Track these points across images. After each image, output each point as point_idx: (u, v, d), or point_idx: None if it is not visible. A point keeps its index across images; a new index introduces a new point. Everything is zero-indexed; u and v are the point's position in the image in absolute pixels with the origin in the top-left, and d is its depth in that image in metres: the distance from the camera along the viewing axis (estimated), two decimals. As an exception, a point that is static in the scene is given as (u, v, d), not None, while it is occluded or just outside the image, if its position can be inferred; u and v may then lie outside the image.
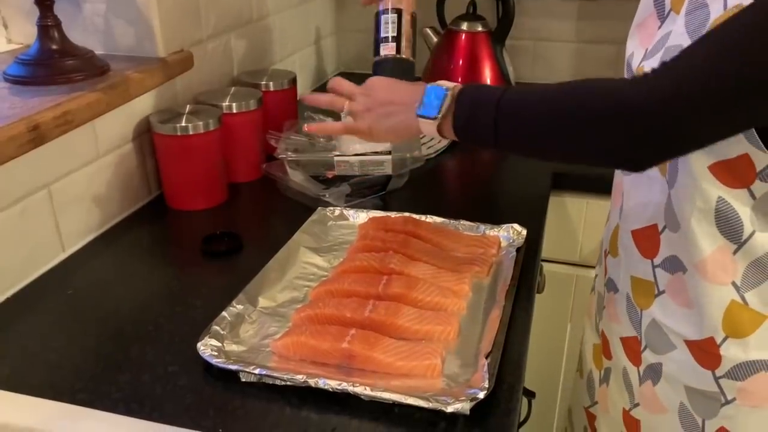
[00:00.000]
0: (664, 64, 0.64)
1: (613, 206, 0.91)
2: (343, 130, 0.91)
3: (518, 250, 0.97)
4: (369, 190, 1.18)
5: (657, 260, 0.78)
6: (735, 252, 0.70)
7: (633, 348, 0.84)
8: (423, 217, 1.04)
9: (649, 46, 0.76)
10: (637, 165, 0.67)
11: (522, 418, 0.97)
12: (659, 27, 0.76)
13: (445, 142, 1.38)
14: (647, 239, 0.79)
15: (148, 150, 1.15)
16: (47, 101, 0.90)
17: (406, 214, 1.04)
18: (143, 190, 1.16)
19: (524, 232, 1.01)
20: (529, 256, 0.97)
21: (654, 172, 0.77)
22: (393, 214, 1.04)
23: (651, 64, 0.72)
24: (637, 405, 0.85)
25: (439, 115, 0.77)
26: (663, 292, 0.78)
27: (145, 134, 1.14)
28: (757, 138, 0.64)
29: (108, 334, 0.82)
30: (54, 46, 0.99)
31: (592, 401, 0.97)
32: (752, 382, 0.73)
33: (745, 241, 0.70)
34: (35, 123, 0.85)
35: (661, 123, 0.62)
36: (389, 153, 1.13)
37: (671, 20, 0.74)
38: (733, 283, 0.71)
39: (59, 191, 0.97)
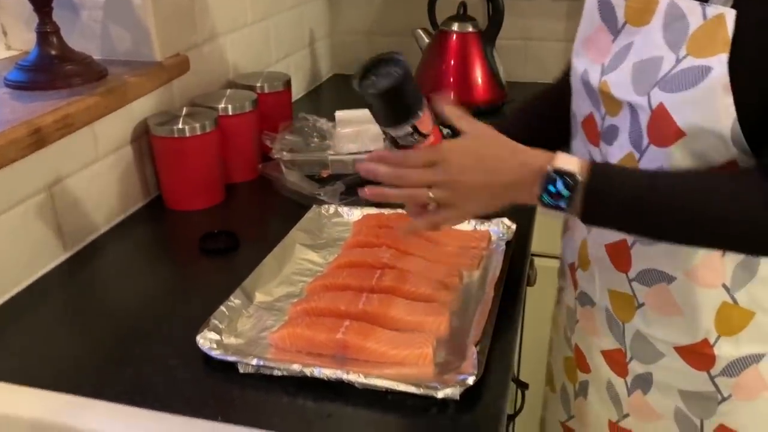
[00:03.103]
0: None
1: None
2: (432, 225, 0.78)
3: (508, 243, 0.99)
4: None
5: (631, 274, 0.79)
6: (723, 255, 0.72)
7: (617, 360, 0.85)
8: (415, 214, 1.06)
9: (604, 60, 0.76)
10: None
11: (516, 409, 0.99)
12: (613, 40, 0.76)
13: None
14: (619, 253, 0.79)
15: (147, 152, 1.17)
16: (47, 105, 0.92)
17: (399, 210, 1.05)
18: (142, 191, 1.18)
19: (513, 226, 1.03)
20: (518, 250, 0.99)
21: None
22: (386, 211, 1.06)
23: (615, 78, 0.73)
24: (626, 416, 0.86)
25: (570, 209, 0.69)
26: (643, 304, 0.79)
27: (143, 136, 1.16)
28: (745, 143, 0.66)
29: (110, 330, 0.85)
30: (53, 52, 1.01)
31: (568, 415, 0.98)
32: (745, 376, 0.76)
33: None
34: (36, 126, 0.87)
35: None
36: None
37: (629, 33, 0.74)
38: (723, 285, 0.73)
39: (60, 193, 0.99)
